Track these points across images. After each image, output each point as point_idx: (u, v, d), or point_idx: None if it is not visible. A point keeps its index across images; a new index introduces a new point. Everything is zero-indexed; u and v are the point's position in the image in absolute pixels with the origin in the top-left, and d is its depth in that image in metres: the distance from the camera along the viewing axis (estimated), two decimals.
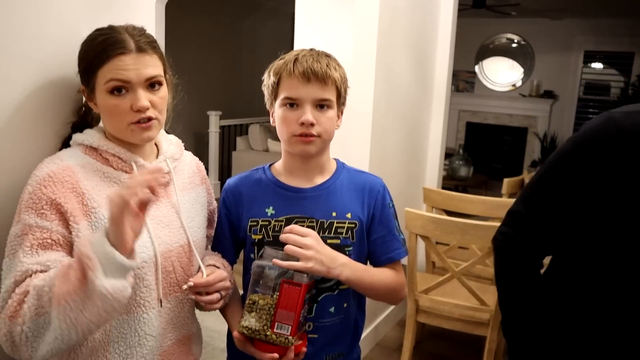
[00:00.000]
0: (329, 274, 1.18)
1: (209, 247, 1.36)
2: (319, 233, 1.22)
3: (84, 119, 1.23)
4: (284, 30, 6.96)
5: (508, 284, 1.24)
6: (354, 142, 2.63)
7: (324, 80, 1.19)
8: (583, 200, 1.12)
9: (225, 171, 6.60)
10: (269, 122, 1.29)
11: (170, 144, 1.27)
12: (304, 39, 2.61)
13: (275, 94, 1.24)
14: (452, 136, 7.91)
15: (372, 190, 1.30)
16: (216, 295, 1.17)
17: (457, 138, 8.00)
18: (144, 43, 1.10)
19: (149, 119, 1.10)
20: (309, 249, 1.15)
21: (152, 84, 1.11)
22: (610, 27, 6.80)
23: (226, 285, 1.20)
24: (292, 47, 2.56)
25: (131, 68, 1.07)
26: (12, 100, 1.13)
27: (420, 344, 3.04)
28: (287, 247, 1.15)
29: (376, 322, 3.04)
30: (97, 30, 1.12)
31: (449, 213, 2.89)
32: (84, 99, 1.21)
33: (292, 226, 1.19)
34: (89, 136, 1.14)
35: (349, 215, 1.26)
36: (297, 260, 1.15)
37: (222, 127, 6.36)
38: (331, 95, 1.21)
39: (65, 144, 1.19)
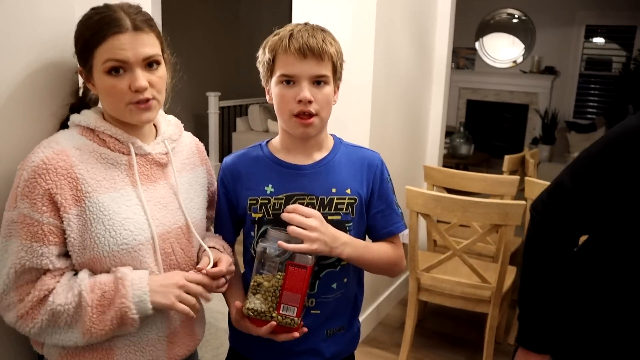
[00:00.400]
0: (331, 253, 1.18)
1: (211, 227, 1.36)
2: (319, 210, 1.22)
3: (81, 100, 1.21)
4: (282, 8, 6.88)
5: (538, 255, 1.23)
6: (354, 121, 2.61)
7: (320, 56, 1.17)
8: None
9: (225, 152, 6.58)
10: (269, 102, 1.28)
11: (169, 125, 1.25)
12: (302, 16, 2.57)
13: (271, 71, 1.22)
14: (453, 114, 7.87)
15: (370, 165, 1.30)
16: (222, 280, 1.19)
17: (457, 116, 7.96)
18: (141, 21, 1.07)
19: (148, 99, 1.09)
20: (313, 230, 1.15)
21: (150, 64, 1.09)
22: (611, 0, 6.72)
23: (232, 270, 1.21)
24: None
25: (128, 47, 1.05)
26: (9, 83, 1.12)
27: (423, 322, 3.06)
28: (290, 228, 1.15)
29: (378, 301, 3.06)
30: (93, 9, 1.09)
31: (450, 191, 2.89)
32: (81, 80, 1.20)
33: (296, 206, 1.19)
34: (86, 117, 1.12)
35: (348, 191, 1.25)
36: (300, 240, 1.15)
37: (221, 109, 6.33)
38: (327, 71, 1.19)
39: (63, 125, 1.18)
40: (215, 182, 1.37)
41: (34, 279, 1.05)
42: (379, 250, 1.29)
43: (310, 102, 1.17)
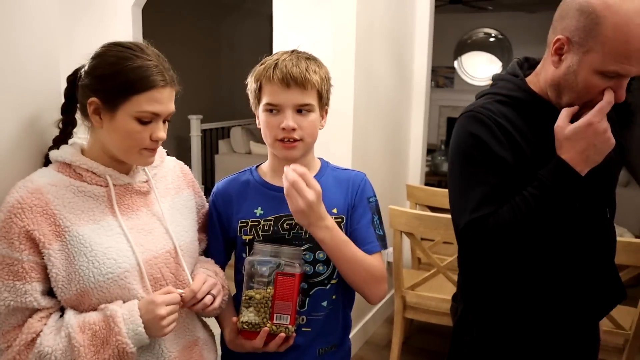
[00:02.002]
0: (308, 228, 1.19)
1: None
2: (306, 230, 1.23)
3: (63, 132, 1.20)
4: (263, 32, 6.94)
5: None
6: (336, 142, 2.63)
7: (303, 85, 1.20)
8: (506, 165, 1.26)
9: (208, 175, 6.56)
10: (251, 124, 1.30)
11: None
12: (282, 40, 2.61)
13: (258, 99, 1.26)
14: (434, 132, 7.96)
15: (353, 184, 1.32)
16: (208, 297, 1.16)
17: (438, 134, 8.05)
18: (171, 77, 1.12)
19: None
20: (305, 202, 1.14)
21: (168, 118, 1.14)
22: None
23: (212, 282, 1.19)
24: (271, 49, 2.55)
25: (165, 102, 1.10)
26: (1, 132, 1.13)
27: (409, 340, 3.06)
28: (287, 186, 1.15)
29: (364, 319, 3.05)
30: (123, 46, 1.10)
31: (433, 209, 2.91)
32: (60, 114, 1.19)
33: (305, 171, 1.17)
34: (63, 152, 1.13)
35: (335, 211, 1.27)
36: (285, 253, 1.19)
37: (203, 131, 6.32)
38: (312, 100, 1.22)
39: (47, 160, 1.17)
40: (206, 204, 1.38)
41: (21, 323, 1.05)
42: (359, 253, 1.24)
43: (294, 129, 1.20)
